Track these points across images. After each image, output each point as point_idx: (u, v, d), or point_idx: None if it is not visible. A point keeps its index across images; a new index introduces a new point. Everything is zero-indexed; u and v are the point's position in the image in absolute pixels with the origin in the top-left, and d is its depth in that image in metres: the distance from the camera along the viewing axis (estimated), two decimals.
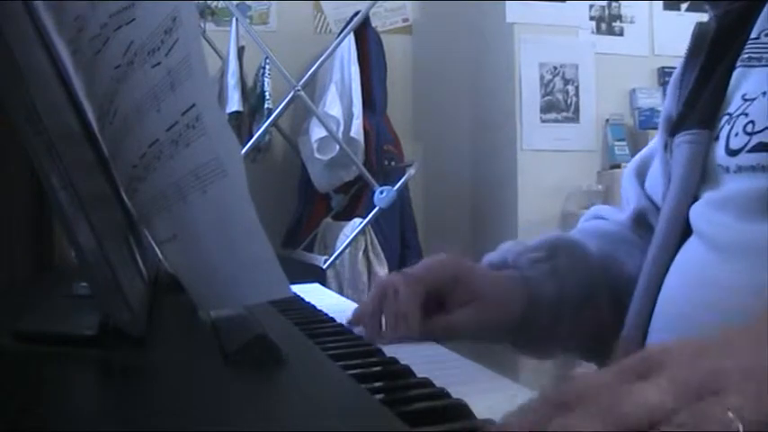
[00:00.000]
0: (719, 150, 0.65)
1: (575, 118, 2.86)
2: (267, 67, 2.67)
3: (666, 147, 0.73)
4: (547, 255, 0.76)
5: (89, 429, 0.35)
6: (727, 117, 0.65)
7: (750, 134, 0.62)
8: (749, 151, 0.62)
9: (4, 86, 0.43)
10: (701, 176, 0.67)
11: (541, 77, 2.82)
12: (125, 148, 0.53)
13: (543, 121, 2.82)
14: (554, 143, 2.82)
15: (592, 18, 2.97)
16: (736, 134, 0.63)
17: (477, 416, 0.40)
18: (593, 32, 2.96)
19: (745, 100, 0.64)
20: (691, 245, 0.66)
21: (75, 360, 0.46)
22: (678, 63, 0.76)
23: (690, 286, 0.64)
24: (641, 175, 0.84)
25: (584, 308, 0.75)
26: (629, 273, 0.76)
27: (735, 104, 0.65)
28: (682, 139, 0.69)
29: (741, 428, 0.29)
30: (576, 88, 2.86)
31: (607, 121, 2.92)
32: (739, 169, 0.62)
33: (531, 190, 2.78)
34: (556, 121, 2.84)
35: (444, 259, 0.74)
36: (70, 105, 0.48)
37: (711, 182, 0.66)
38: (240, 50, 2.70)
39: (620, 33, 3.01)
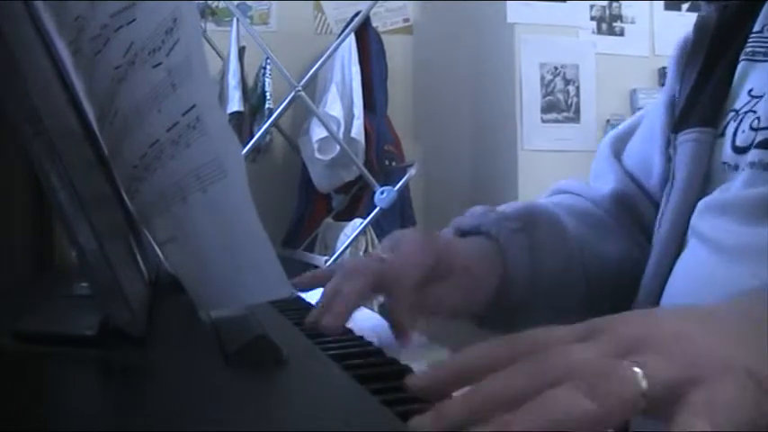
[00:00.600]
0: (725, 148, 0.64)
1: (575, 118, 2.86)
2: (268, 67, 2.67)
3: (669, 143, 0.72)
4: (524, 225, 0.71)
5: (89, 429, 0.35)
6: (732, 114, 0.64)
7: (756, 130, 0.61)
8: (755, 147, 0.61)
9: (4, 86, 0.43)
10: (705, 175, 0.65)
11: (542, 78, 2.81)
12: (125, 148, 0.53)
13: (544, 122, 2.82)
14: (554, 143, 2.82)
15: (592, 18, 2.97)
16: (743, 131, 0.62)
17: None
18: (593, 33, 2.96)
19: (753, 96, 0.63)
20: (693, 247, 0.66)
21: (76, 360, 0.46)
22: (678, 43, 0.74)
23: (693, 288, 0.63)
24: (619, 149, 0.80)
25: (558, 285, 0.71)
26: (603, 257, 0.74)
27: (741, 100, 0.64)
28: (686, 137, 0.68)
29: (645, 386, 0.32)
30: (577, 88, 2.86)
31: (608, 121, 2.92)
32: (746, 167, 0.61)
33: (531, 190, 2.78)
34: (556, 121, 2.84)
35: (422, 237, 0.66)
36: (70, 105, 0.48)
37: (716, 181, 0.65)
38: (241, 51, 2.70)
39: (621, 33, 3.01)
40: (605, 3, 2.99)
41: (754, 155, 0.61)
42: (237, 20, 2.63)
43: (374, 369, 0.51)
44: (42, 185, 0.44)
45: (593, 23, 2.97)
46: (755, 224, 0.59)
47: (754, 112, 0.62)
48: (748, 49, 0.66)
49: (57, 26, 0.51)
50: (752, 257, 0.58)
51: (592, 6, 2.97)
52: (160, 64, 0.46)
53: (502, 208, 0.74)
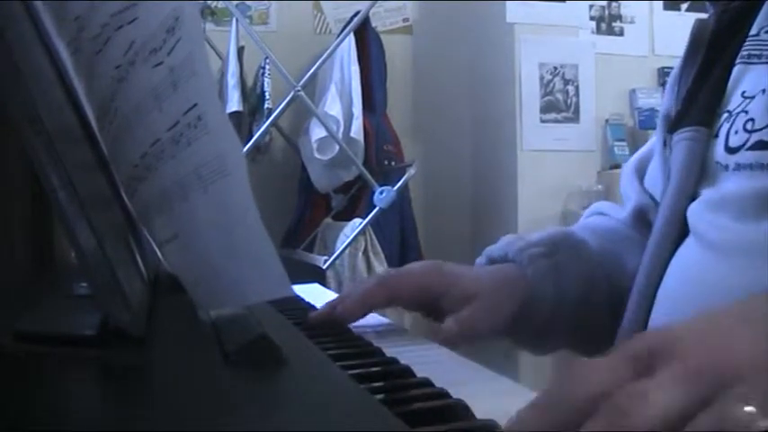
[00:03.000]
0: (719, 148, 0.64)
1: (575, 118, 2.86)
2: (267, 67, 2.67)
3: (665, 144, 0.73)
4: (547, 250, 0.75)
5: (89, 429, 0.35)
6: (726, 114, 0.65)
7: (750, 132, 0.62)
8: (748, 149, 0.61)
9: (4, 86, 0.42)
10: (699, 174, 0.66)
11: (541, 77, 2.82)
12: (126, 147, 0.53)
13: (543, 122, 2.82)
14: (554, 143, 2.82)
15: (592, 18, 2.97)
16: (736, 132, 0.63)
17: (477, 416, 0.40)
18: (593, 32, 2.96)
19: (745, 97, 0.64)
20: (688, 244, 0.66)
21: (76, 360, 0.46)
22: (677, 62, 0.76)
23: (687, 286, 0.64)
24: (640, 172, 0.83)
25: (582, 305, 0.75)
26: (629, 270, 0.76)
27: (734, 102, 0.65)
28: (680, 136, 0.69)
29: (762, 425, 0.27)
30: (576, 88, 2.86)
31: (607, 121, 2.92)
32: (738, 167, 0.62)
33: (531, 190, 2.78)
34: (556, 121, 2.84)
35: (429, 267, 0.74)
36: (70, 105, 0.47)
37: (710, 180, 0.65)
38: (240, 50, 2.70)
39: (621, 33, 3.01)
40: (605, 2, 2.99)
41: (748, 156, 0.61)
42: (237, 20, 2.63)
43: (374, 369, 0.51)
44: (42, 185, 0.44)
45: (593, 23, 2.97)
46: (749, 221, 0.59)
47: (746, 112, 0.63)
48: (744, 53, 0.66)
49: (56, 26, 0.51)
50: (745, 254, 0.59)
51: (591, 6, 2.97)
52: (161, 63, 0.46)
53: (531, 236, 0.79)
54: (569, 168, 2.82)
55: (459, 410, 0.41)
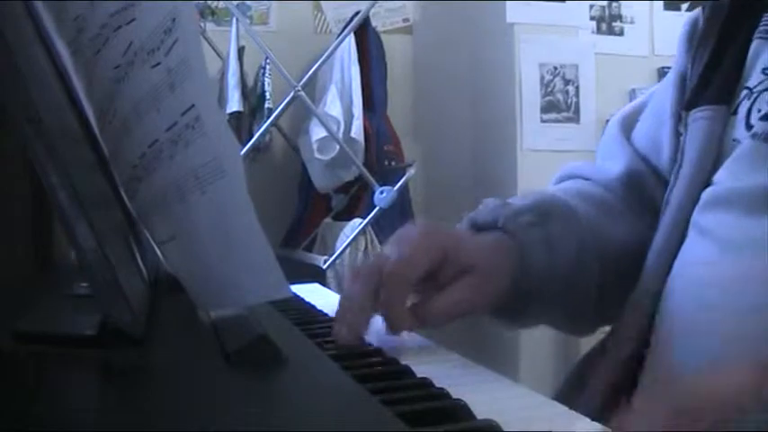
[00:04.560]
0: (739, 126, 0.63)
1: (575, 118, 2.86)
2: (267, 67, 2.67)
3: (681, 119, 0.70)
4: (538, 219, 0.70)
5: (89, 429, 0.35)
6: (746, 92, 0.64)
7: None
8: (761, 119, 0.60)
9: (4, 86, 0.43)
10: (716, 157, 0.64)
11: (541, 77, 2.81)
12: (125, 148, 0.53)
13: (543, 122, 2.82)
14: (554, 143, 2.82)
15: (592, 18, 2.97)
16: (759, 110, 0.62)
17: (478, 416, 0.40)
18: (593, 32, 2.96)
19: (767, 74, 0.62)
20: (694, 240, 0.64)
21: (75, 360, 0.46)
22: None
23: (696, 285, 0.62)
24: (628, 129, 0.79)
25: (571, 280, 0.71)
26: (615, 241, 0.73)
27: (755, 79, 0.64)
28: (698, 114, 0.67)
29: None
30: (576, 88, 2.85)
31: (607, 121, 2.91)
32: (753, 137, 0.60)
33: (530, 190, 2.78)
34: (556, 121, 2.84)
35: (429, 233, 0.65)
36: (70, 105, 0.48)
37: (726, 157, 0.63)
38: (240, 50, 2.70)
39: (621, 33, 3.01)
40: (605, 3, 2.99)
41: (759, 126, 0.60)
42: (237, 20, 2.63)
43: (374, 369, 0.51)
44: (42, 185, 0.44)
45: (593, 23, 2.97)
46: (756, 216, 0.58)
47: None
48: (762, 28, 0.65)
49: (56, 26, 0.51)
50: (752, 250, 0.58)
51: (591, 6, 2.97)
52: (159, 64, 0.46)
53: (516, 201, 0.73)
54: None
55: (459, 410, 0.41)
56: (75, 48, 0.52)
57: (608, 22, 2.99)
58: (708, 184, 0.65)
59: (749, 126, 0.61)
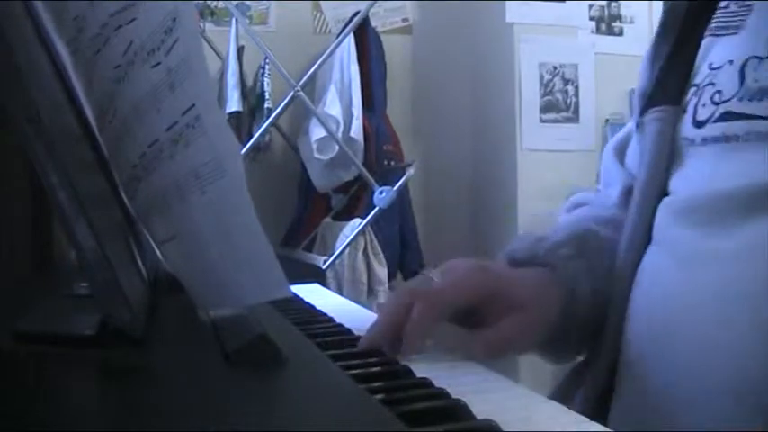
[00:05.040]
0: (686, 123, 0.62)
1: (574, 118, 2.86)
2: (267, 67, 2.67)
3: (639, 126, 0.71)
4: (578, 251, 0.69)
5: (89, 429, 0.35)
6: (694, 89, 0.63)
7: (717, 104, 0.60)
8: (716, 121, 0.59)
9: (4, 86, 0.43)
10: (669, 154, 0.64)
11: (541, 77, 2.81)
12: (125, 147, 0.53)
13: (543, 121, 2.82)
14: (554, 143, 2.82)
15: (591, 18, 2.97)
16: (704, 105, 0.61)
17: (477, 416, 0.40)
18: (592, 32, 2.96)
19: (712, 69, 0.62)
20: (653, 254, 0.64)
21: (75, 360, 0.46)
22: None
23: (658, 301, 0.62)
24: (621, 155, 0.80)
25: (607, 300, 0.69)
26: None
27: (701, 75, 0.63)
28: (650, 117, 0.67)
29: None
30: (576, 88, 2.86)
31: (607, 121, 2.92)
32: (705, 141, 0.60)
33: (531, 190, 2.78)
34: (556, 121, 2.84)
35: (475, 271, 0.62)
36: (70, 105, 0.48)
37: (681, 158, 0.63)
38: (240, 50, 2.70)
39: (620, 33, 3.01)
40: (604, 3, 2.99)
41: (716, 129, 0.59)
42: (236, 20, 2.63)
43: (374, 369, 0.51)
44: (42, 185, 0.44)
45: (592, 23, 2.97)
46: (716, 228, 0.58)
47: (713, 84, 0.61)
48: (713, 25, 0.65)
49: (56, 26, 0.51)
50: (711, 264, 0.57)
51: (591, 6, 2.97)
52: (159, 64, 0.46)
53: (550, 234, 0.72)
54: (569, 168, 2.81)
55: (459, 410, 0.41)
56: (75, 47, 0.52)
57: (607, 22, 2.99)
58: (665, 191, 0.65)
59: (696, 123, 0.61)
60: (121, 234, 0.52)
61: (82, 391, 0.43)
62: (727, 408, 0.54)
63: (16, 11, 0.43)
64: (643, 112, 0.70)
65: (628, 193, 0.77)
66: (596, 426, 0.41)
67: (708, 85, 0.62)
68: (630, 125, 0.80)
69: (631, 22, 3.02)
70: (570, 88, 2.85)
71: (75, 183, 0.44)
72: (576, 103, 2.86)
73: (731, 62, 0.60)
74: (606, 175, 0.83)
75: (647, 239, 0.66)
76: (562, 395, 0.72)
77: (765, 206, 0.55)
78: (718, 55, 0.63)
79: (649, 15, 3.05)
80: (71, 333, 0.48)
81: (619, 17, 3.01)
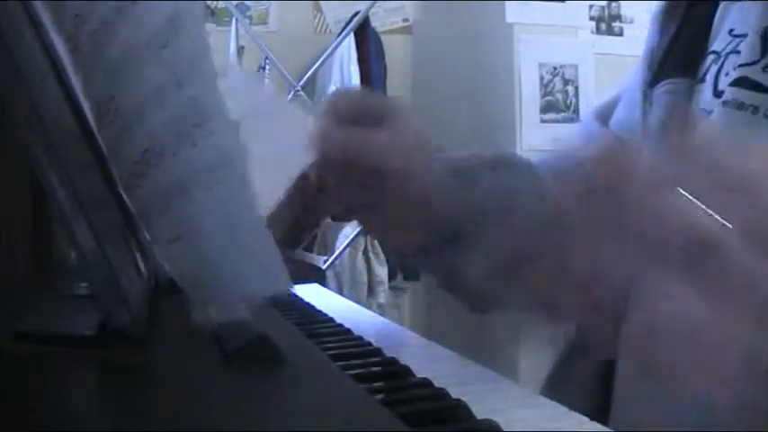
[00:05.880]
0: (706, 93, 0.60)
1: (574, 118, 2.86)
2: (267, 67, 2.67)
3: (646, 97, 0.68)
4: (494, 165, 0.66)
5: (89, 429, 0.35)
6: (713, 56, 0.61)
7: (735, 69, 0.57)
8: (731, 84, 0.57)
9: (4, 86, 0.42)
10: (683, 130, 0.60)
11: (541, 77, 2.82)
12: (126, 147, 0.52)
13: (543, 122, 2.82)
14: (554, 143, 2.82)
15: (591, 18, 2.97)
16: (727, 73, 0.58)
17: (477, 416, 0.40)
18: (592, 33, 2.96)
19: (734, 36, 0.59)
20: None
21: (76, 360, 0.46)
22: None
23: None
24: (604, 122, 0.76)
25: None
26: None
27: (721, 41, 0.60)
28: (660, 90, 0.64)
29: None
30: (576, 88, 2.86)
31: None
32: (723, 104, 0.57)
33: None
34: (556, 121, 2.84)
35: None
36: (70, 105, 0.47)
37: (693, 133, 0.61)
38: (240, 50, 2.70)
39: (620, 33, 3.01)
40: (604, 3, 2.99)
41: (729, 93, 0.57)
42: (237, 20, 2.63)
43: (374, 369, 0.51)
44: (42, 185, 0.44)
45: (592, 23, 2.97)
46: None
47: (738, 52, 0.58)
48: None
49: (55, 24, 0.51)
50: None
51: (591, 6, 2.97)
52: (164, 61, 0.46)
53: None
54: None
55: (460, 411, 0.41)
56: (75, 45, 0.52)
57: (607, 23, 3.00)
58: None
59: (717, 93, 0.59)
60: (122, 234, 0.52)
61: (82, 391, 0.43)
62: None
63: (16, 11, 0.43)
64: (653, 81, 0.67)
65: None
66: (596, 426, 0.41)
67: (732, 53, 0.58)
68: (617, 92, 0.76)
69: (631, 22, 3.02)
70: (570, 88, 2.85)
71: (74, 183, 0.44)
72: (576, 104, 2.86)
73: (756, 31, 0.57)
74: (581, 136, 0.78)
75: None
76: (562, 370, 0.70)
77: None
78: (738, 21, 0.59)
79: (649, 15, 3.05)
80: (71, 333, 0.48)
81: (619, 17, 3.01)
